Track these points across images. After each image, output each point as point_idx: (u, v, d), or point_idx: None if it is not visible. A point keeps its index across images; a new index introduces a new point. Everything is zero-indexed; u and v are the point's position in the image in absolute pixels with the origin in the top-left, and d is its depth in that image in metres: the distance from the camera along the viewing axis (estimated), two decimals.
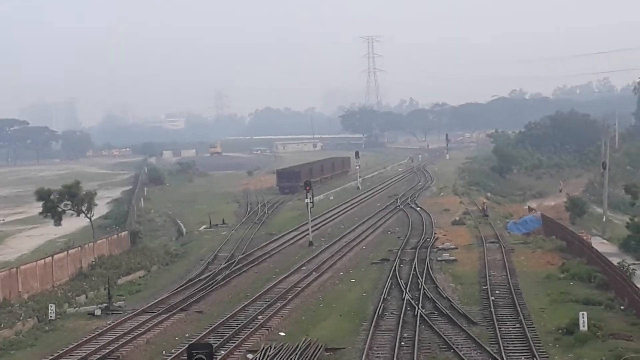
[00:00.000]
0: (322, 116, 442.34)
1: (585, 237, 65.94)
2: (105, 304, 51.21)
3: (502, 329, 40.74)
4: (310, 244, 73.08)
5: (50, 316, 48.33)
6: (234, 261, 64.88)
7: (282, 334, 42.72)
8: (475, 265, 60.36)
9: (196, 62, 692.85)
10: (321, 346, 39.08)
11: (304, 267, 61.42)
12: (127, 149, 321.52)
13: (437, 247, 68.40)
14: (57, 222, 74.57)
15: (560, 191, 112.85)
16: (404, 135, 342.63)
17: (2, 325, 45.90)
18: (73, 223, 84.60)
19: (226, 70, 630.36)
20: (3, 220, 74.68)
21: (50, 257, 59.47)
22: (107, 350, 40.11)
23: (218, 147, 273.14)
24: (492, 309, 44.69)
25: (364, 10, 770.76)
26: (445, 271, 58.07)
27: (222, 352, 38.63)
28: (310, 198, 76.07)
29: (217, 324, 44.18)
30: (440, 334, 40.22)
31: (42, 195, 73.40)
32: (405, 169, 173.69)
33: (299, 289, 53.05)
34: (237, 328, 43.07)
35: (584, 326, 39.28)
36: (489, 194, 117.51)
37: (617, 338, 38.73)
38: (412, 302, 46.95)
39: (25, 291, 53.97)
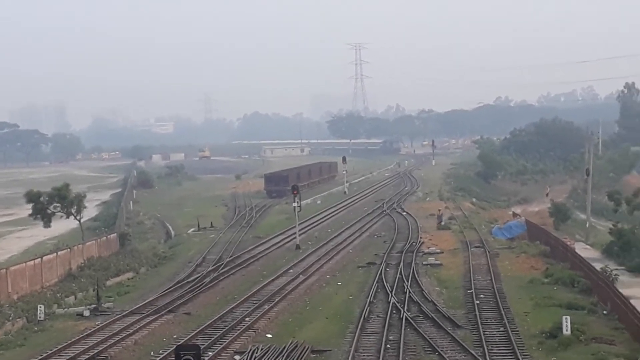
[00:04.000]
0: (309, 121, 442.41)
1: (568, 243, 66.30)
2: (94, 305, 51.39)
3: (486, 333, 41.17)
4: (298, 247, 73.49)
5: (40, 317, 48.54)
6: (222, 264, 65.19)
7: (269, 335, 43.04)
8: (460, 269, 60.84)
9: (185, 67, 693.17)
10: (308, 348, 39.41)
11: (291, 270, 61.77)
12: (117, 152, 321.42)
13: (423, 251, 68.83)
14: (47, 224, 74.22)
15: (547, 195, 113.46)
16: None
17: None
18: (62, 225, 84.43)
19: (215, 75, 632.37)
20: None
21: (39, 259, 59.54)
22: (96, 351, 40.38)
23: (207, 151, 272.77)
24: (477, 313, 45.14)
25: (351, 16, 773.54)
26: (430, 275, 58.52)
27: (210, 353, 39.04)
28: (297, 202, 76.65)
29: (204, 325, 44.49)
30: (425, 336, 40.61)
31: (32, 197, 73.13)
32: (391, 174, 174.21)
33: (286, 291, 53.45)
34: (224, 330, 43.39)
35: (567, 330, 39.67)
36: (474, 199, 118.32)
37: (600, 342, 39.28)
38: (398, 305, 47.33)
39: (15, 292, 54.10)
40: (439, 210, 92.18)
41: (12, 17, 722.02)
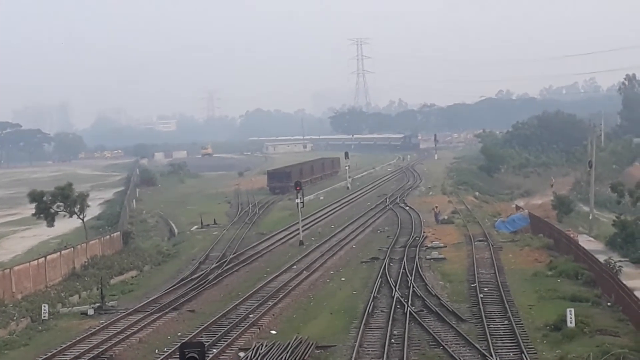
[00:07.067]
0: (312, 117, 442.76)
1: (572, 235, 66.30)
2: (98, 304, 51.62)
3: (490, 326, 41.09)
4: (301, 243, 73.55)
5: (44, 316, 48.67)
6: (226, 261, 65.26)
7: (274, 332, 43.07)
8: (463, 263, 60.81)
9: (188, 64, 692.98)
10: (312, 344, 39.34)
11: (295, 266, 61.83)
12: (119, 151, 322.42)
13: (426, 246, 68.82)
14: (50, 224, 74.29)
15: (552, 186, 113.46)
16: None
17: None
18: (66, 224, 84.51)
19: (217, 72, 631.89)
20: None
21: (43, 258, 59.63)
22: (100, 350, 40.39)
23: (209, 149, 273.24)
24: (481, 306, 45.06)
25: (353, 11, 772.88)
26: (434, 269, 58.54)
27: (214, 350, 38.96)
28: (300, 198, 76.65)
29: (209, 322, 44.56)
30: (429, 331, 40.59)
31: (35, 196, 73.19)
32: (394, 169, 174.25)
33: (290, 287, 53.51)
34: (228, 326, 43.43)
35: (571, 322, 39.66)
36: (477, 193, 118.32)
37: (604, 334, 39.18)
38: (402, 300, 47.32)
39: (19, 292, 54.17)
40: (436, 207, 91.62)
41: (13, 17, 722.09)
